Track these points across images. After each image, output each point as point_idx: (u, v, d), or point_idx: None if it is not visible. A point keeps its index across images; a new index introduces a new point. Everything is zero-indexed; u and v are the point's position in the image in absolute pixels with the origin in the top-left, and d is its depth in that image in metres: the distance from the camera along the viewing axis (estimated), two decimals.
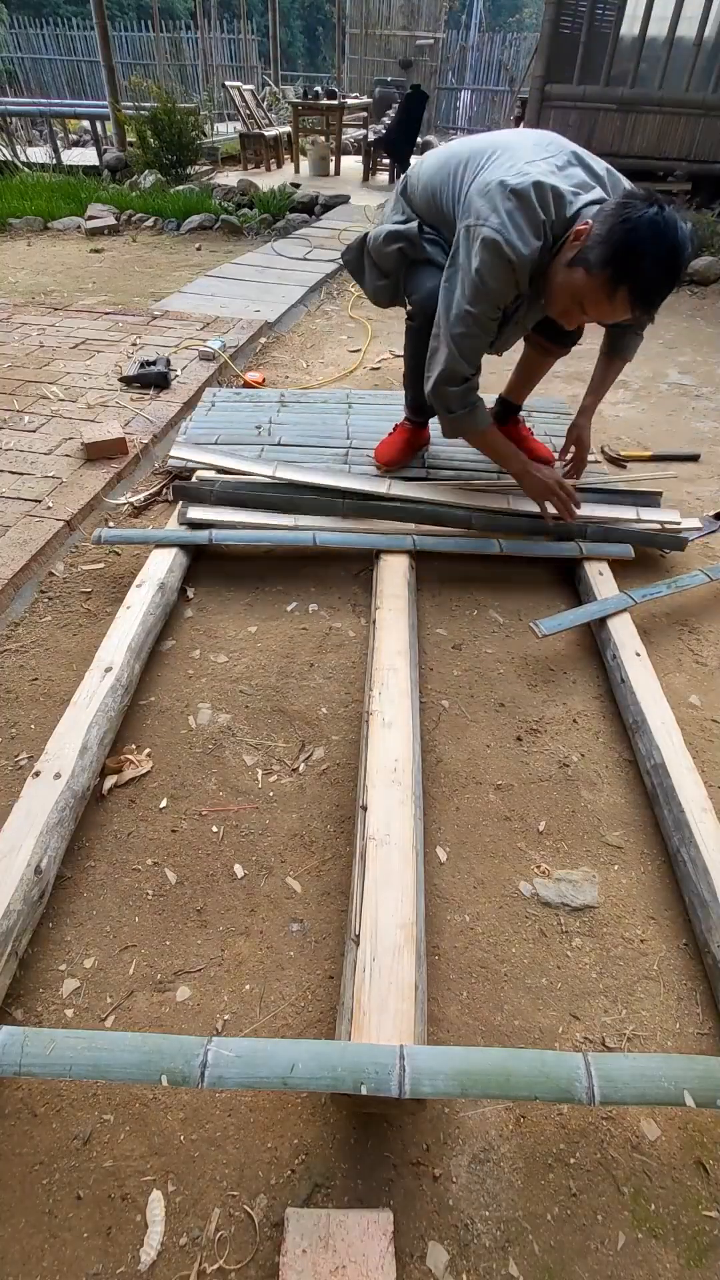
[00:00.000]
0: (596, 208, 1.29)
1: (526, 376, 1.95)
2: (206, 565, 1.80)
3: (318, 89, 7.66)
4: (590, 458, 2.22)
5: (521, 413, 2.13)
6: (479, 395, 1.61)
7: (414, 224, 1.59)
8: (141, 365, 2.68)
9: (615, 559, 1.76)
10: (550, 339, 1.80)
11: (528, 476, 1.67)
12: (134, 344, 3.06)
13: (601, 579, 1.68)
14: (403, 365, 1.93)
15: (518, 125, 6.63)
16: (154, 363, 2.68)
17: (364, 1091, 0.75)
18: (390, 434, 2.07)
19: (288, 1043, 0.80)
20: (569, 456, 1.82)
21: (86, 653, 1.47)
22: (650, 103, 5.18)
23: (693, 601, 1.76)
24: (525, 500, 1.78)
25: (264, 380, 2.82)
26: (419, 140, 8.04)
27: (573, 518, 1.69)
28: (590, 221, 1.27)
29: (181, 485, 1.90)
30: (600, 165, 1.44)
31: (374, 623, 1.50)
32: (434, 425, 2.04)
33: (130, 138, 6.83)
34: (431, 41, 11.28)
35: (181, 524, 1.80)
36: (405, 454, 2.01)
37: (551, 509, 1.70)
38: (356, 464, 2.04)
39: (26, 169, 6.71)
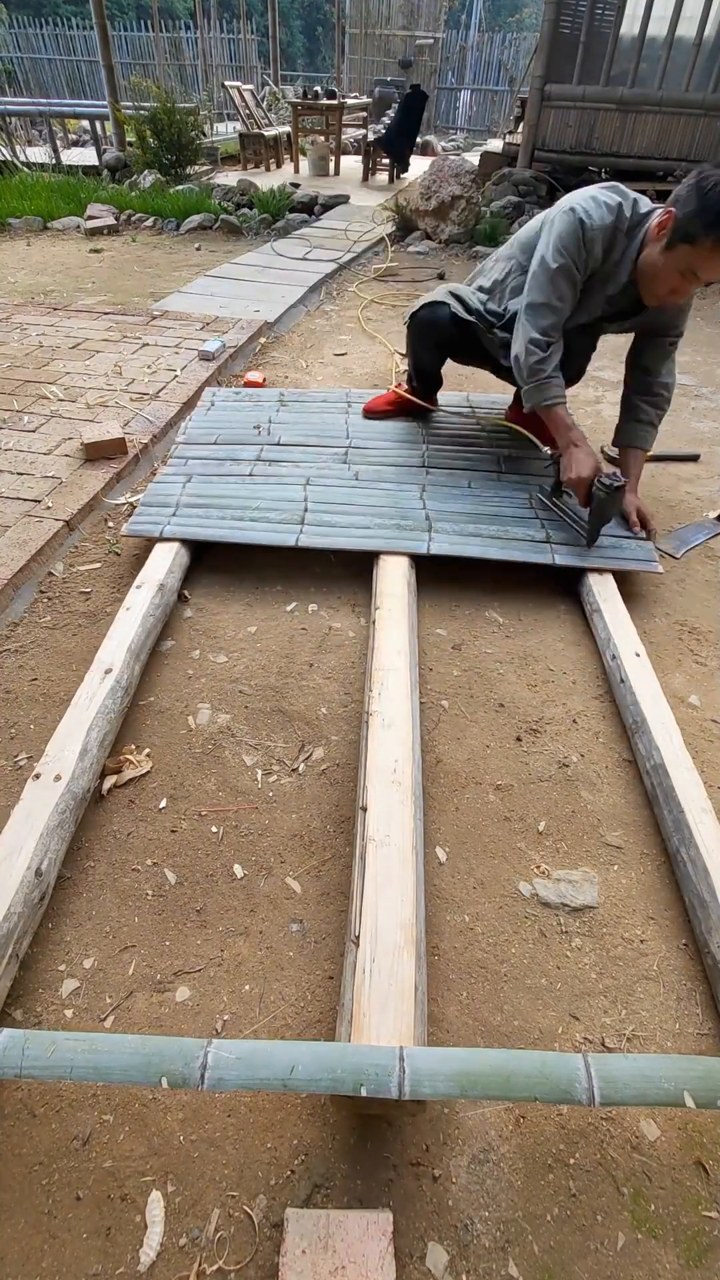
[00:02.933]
0: (664, 204, 1.51)
1: None
2: (206, 565, 1.80)
3: (317, 89, 7.66)
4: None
5: None
6: (556, 372, 1.71)
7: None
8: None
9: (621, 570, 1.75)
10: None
11: (571, 451, 1.73)
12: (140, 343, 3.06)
13: (602, 580, 1.69)
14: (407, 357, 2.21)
15: (517, 125, 6.64)
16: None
17: (363, 1093, 0.75)
18: (387, 391, 2.35)
19: (287, 1044, 0.80)
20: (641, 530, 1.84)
21: (86, 653, 1.46)
22: (650, 103, 5.18)
23: (693, 602, 1.75)
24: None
25: (264, 380, 2.82)
26: (418, 140, 8.04)
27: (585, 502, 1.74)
28: (671, 209, 1.45)
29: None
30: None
31: (374, 623, 1.50)
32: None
33: (130, 138, 6.83)
34: (431, 41, 11.28)
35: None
36: (391, 409, 2.30)
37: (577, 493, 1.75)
38: (360, 469, 2.03)
39: (26, 169, 6.70)
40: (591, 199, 1.56)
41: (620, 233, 1.56)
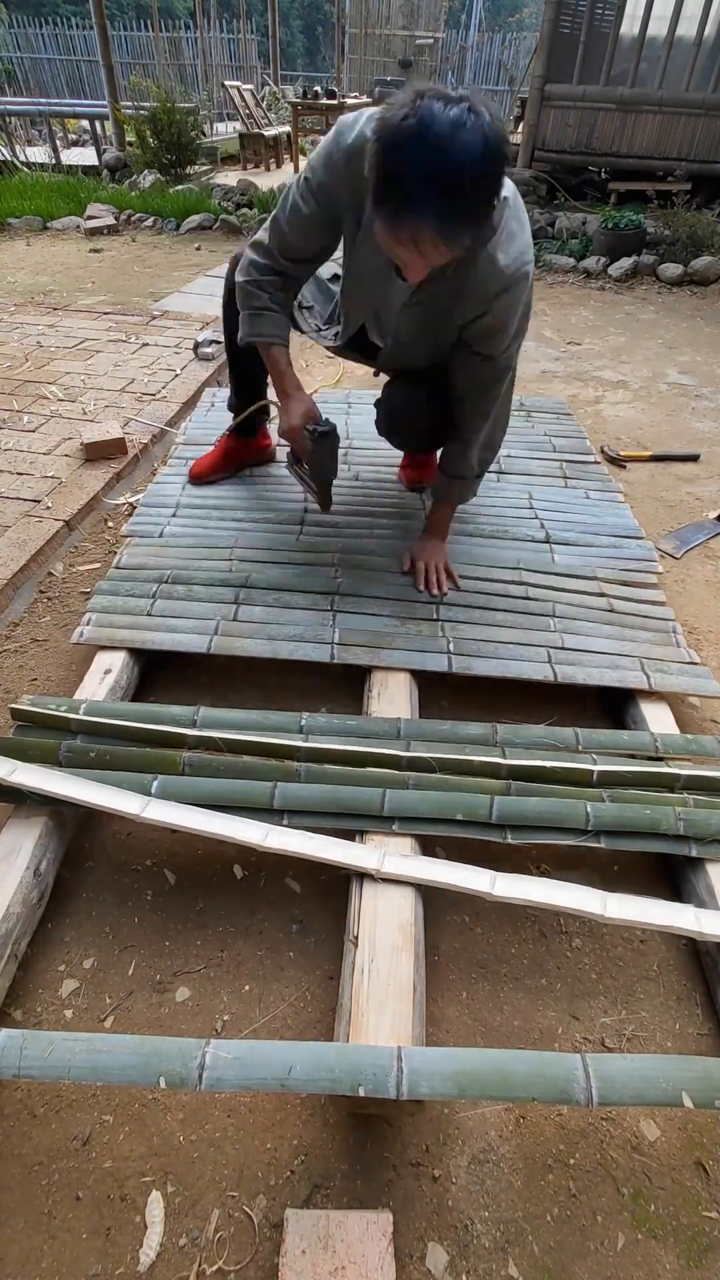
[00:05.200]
0: None
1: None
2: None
3: (317, 89, 7.65)
4: (589, 458, 2.23)
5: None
6: (275, 306, 1.43)
7: None
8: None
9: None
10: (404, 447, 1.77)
11: (283, 400, 1.50)
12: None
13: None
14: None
15: (517, 125, 6.64)
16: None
17: (361, 1094, 0.75)
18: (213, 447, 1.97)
19: (285, 1045, 0.80)
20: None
21: (86, 653, 1.46)
22: (650, 102, 5.18)
23: (692, 602, 1.75)
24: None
25: None
26: None
27: (310, 471, 1.52)
28: None
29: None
30: None
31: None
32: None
33: (129, 137, 6.83)
34: (431, 41, 11.28)
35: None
36: (218, 466, 1.92)
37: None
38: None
39: (26, 169, 6.70)
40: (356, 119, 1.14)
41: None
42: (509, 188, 1.11)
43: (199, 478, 1.91)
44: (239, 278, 1.42)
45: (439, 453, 1.56)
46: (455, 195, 0.90)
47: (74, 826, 1.14)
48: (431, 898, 1.08)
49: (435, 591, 1.55)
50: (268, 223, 1.35)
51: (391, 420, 1.63)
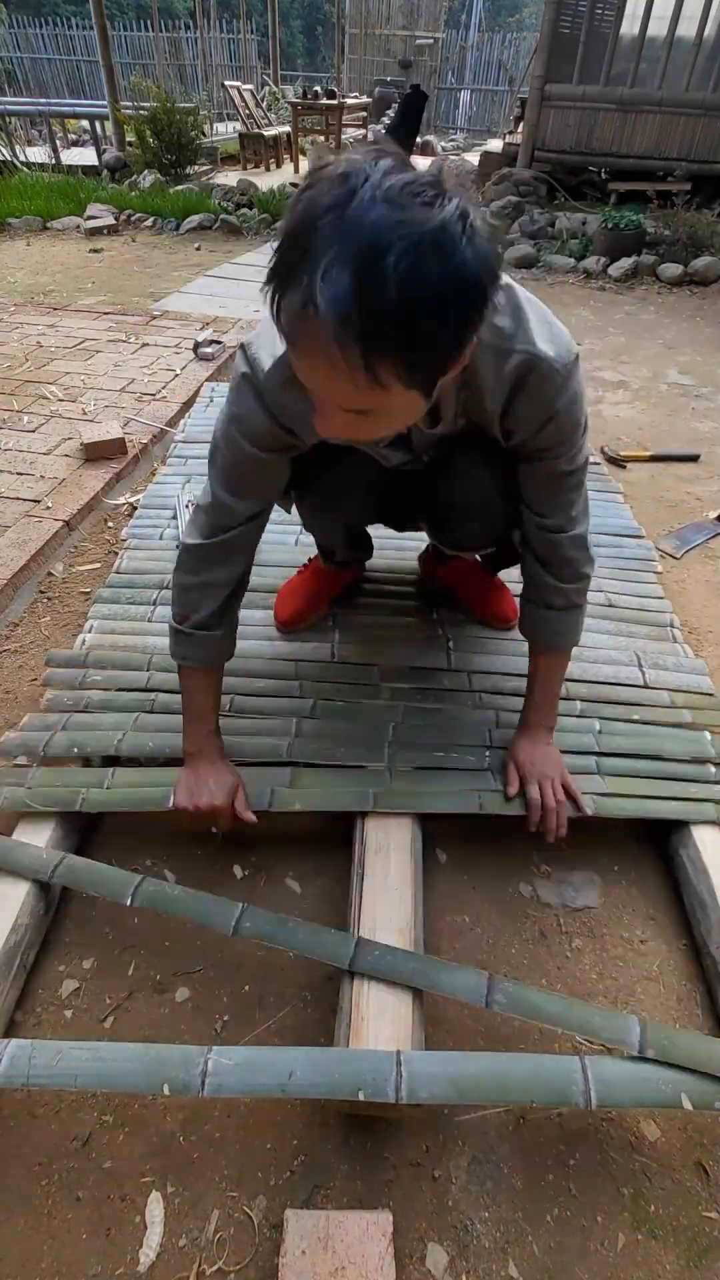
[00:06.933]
0: None
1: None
2: None
3: (317, 89, 7.65)
4: (591, 459, 2.21)
5: None
6: (211, 621, 1.03)
7: None
8: None
9: None
10: (446, 543, 1.27)
11: (185, 772, 1.08)
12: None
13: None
14: None
15: (517, 125, 6.64)
16: None
17: (361, 1098, 0.75)
18: (295, 574, 1.49)
19: (285, 1050, 0.80)
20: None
21: None
22: (650, 102, 5.18)
23: (693, 602, 1.75)
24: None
25: None
26: (418, 140, 8.04)
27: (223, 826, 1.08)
28: None
29: None
30: None
31: None
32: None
33: (129, 137, 6.84)
34: (431, 41, 11.28)
35: None
36: (312, 603, 1.44)
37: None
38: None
39: (25, 169, 6.70)
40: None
41: None
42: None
43: (289, 626, 1.41)
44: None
45: (522, 594, 1.11)
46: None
47: (78, 836, 1.14)
48: (431, 899, 1.08)
49: (552, 839, 1.09)
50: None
51: (461, 514, 1.14)
